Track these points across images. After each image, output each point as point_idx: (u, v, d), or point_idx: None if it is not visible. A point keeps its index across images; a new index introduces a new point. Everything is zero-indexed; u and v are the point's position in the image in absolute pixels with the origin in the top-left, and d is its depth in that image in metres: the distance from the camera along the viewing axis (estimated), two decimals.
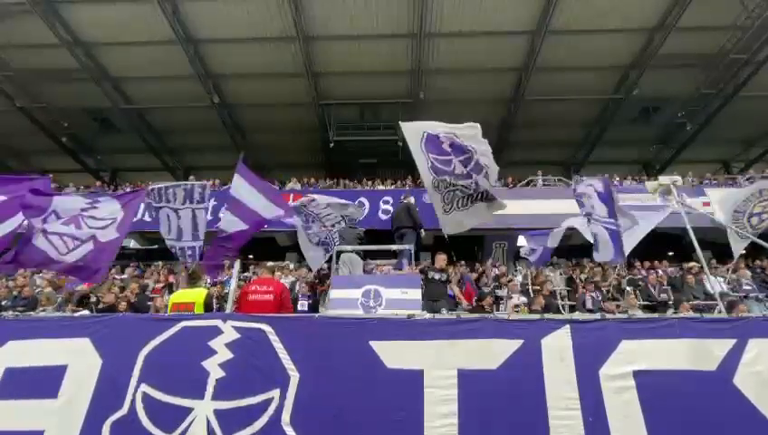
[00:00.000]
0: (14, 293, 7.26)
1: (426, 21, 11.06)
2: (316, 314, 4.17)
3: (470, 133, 4.37)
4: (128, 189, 13.61)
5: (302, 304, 6.18)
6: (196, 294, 4.12)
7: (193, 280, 4.42)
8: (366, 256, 6.47)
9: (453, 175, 4.28)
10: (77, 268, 3.95)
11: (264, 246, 11.74)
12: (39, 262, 3.91)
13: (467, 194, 4.32)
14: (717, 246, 8.44)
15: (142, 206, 5.34)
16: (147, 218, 8.66)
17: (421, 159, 4.34)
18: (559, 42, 11.57)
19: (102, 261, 4.10)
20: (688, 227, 4.53)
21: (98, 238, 4.04)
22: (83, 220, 3.99)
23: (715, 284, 6.27)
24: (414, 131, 4.41)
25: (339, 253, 5.77)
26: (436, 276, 5.64)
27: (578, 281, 8.66)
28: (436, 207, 4.44)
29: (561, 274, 8.95)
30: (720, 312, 4.38)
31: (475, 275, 8.62)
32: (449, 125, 4.39)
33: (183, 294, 4.23)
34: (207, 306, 4.04)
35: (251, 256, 11.36)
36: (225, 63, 12.65)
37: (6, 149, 16.19)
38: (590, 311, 6.59)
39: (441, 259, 5.82)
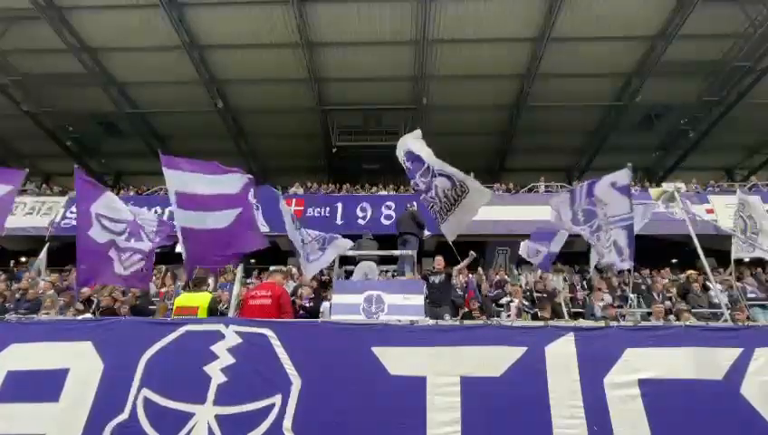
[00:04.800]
0: (17, 295, 7.26)
1: (428, 28, 11.13)
2: (319, 320, 4.16)
3: (417, 142, 4.42)
4: (131, 193, 13.73)
5: (303, 309, 6.10)
6: (201, 299, 4.11)
7: (197, 284, 4.42)
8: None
9: (423, 192, 4.38)
10: (130, 278, 4.15)
11: (266, 249, 11.73)
12: (104, 275, 4.00)
13: (440, 202, 4.28)
14: (722, 254, 8.39)
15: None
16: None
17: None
18: (561, 49, 11.62)
19: (150, 267, 4.32)
20: (692, 234, 4.50)
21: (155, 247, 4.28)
22: (140, 230, 4.08)
23: (719, 292, 6.20)
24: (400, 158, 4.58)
25: (345, 258, 5.81)
26: (437, 280, 5.63)
27: (578, 287, 8.62)
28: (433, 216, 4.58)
29: (564, 279, 8.90)
30: (726, 320, 4.34)
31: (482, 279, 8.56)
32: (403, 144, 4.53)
33: (188, 298, 4.23)
34: (212, 311, 4.04)
35: (253, 261, 11.36)
36: (229, 69, 12.75)
37: (12, 153, 16.32)
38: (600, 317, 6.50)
39: (438, 261, 5.85)
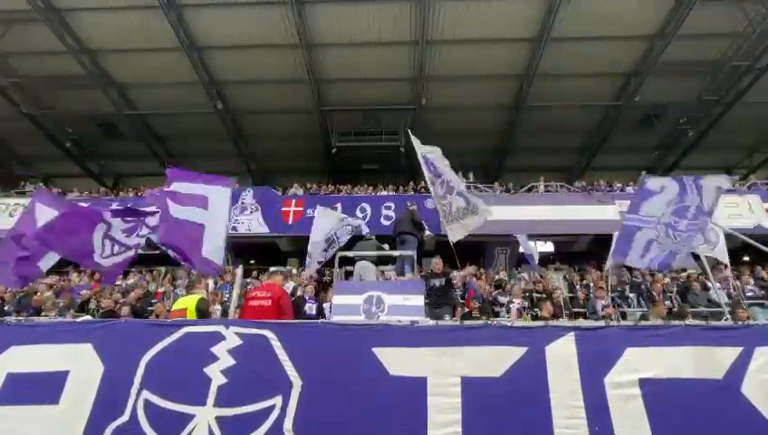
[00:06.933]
0: (17, 297, 7.25)
1: (427, 28, 11.14)
2: (319, 321, 4.16)
3: (438, 156, 4.97)
4: (130, 195, 13.72)
5: (310, 307, 6.17)
6: (189, 300, 4.14)
7: (189, 287, 4.45)
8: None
9: (438, 196, 4.89)
10: (107, 271, 4.06)
11: (266, 251, 11.75)
12: (79, 254, 3.89)
13: (448, 211, 4.82)
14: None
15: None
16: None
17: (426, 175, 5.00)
18: (560, 49, 11.63)
19: (125, 265, 4.22)
20: None
21: (140, 246, 4.19)
22: (140, 227, 4.05)
23: (720, 291, 6.21)
24: (419, 150, 5.01)
25: (345, 259, 5.84)
26: (437, 283, 5.61)
27: (577, 287, 8.62)
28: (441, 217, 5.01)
29: (564, 278, 8.91)
30: (726, 319, 4.34)
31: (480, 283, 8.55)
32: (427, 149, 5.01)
33: (180, 302, 4.29)
34: (200, 311, 4.03)
35: (252, 262, 11.37)
36: (228, 70, 12.76)
37: (12, 155, 16.33)
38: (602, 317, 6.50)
39: (435, 263, 5.84)
